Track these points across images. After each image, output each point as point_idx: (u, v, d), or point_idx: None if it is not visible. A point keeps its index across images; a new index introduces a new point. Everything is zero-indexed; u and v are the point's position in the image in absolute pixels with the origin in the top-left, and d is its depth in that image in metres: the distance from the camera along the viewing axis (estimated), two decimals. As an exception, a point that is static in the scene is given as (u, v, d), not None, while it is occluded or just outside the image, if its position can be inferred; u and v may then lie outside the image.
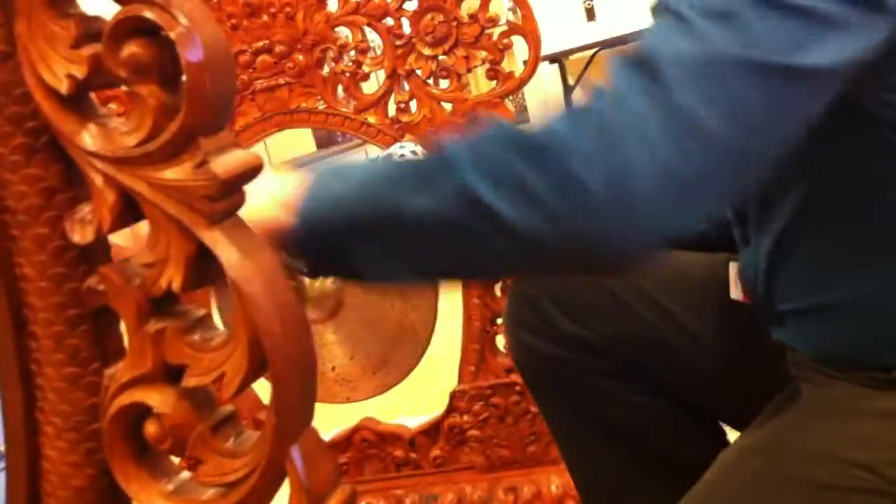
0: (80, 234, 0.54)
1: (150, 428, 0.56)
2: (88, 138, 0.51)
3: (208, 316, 0.57)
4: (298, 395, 0.54)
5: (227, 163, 0.50)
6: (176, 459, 0.60)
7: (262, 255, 0.52)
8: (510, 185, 0.76)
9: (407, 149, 1.34)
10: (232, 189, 0.50)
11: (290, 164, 5.39)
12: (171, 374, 0.56)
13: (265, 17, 1.60)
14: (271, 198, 0.86)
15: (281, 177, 0.91)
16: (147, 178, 0.50)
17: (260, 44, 1.62)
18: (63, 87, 0.50)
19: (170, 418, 0.56)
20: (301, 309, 0.55)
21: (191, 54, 0.47)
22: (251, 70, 1.63)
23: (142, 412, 0.57)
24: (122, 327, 0.58)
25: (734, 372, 1.05)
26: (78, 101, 0.51)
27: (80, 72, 0.49)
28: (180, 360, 0.54)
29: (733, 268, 1.22)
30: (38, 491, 0.61)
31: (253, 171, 0.52)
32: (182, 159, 0.49)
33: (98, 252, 0.55)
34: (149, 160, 0.49)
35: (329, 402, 1.83)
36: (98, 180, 0.51)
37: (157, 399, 0.56)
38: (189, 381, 0.54)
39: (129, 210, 0.52)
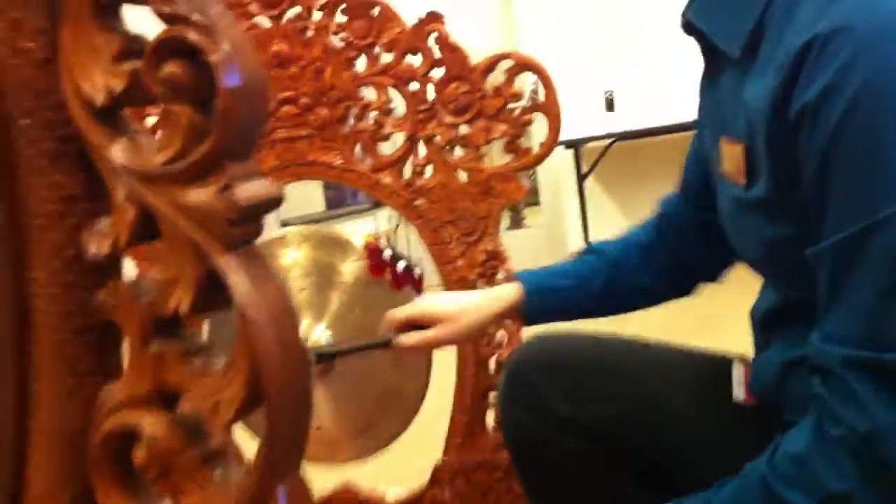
0: (97, 246, 0.54)
1: (140, 453, 0.56)
2: (117, 152, 0.51)
3: (211, 344, 0.57)
4: (291, 432, 0.54)
5: (250, 190, 0.50)
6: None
7: (272, 286, 0.52)
8: None
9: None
10: (252, 216, 0.50)
11: (299, 220, 5.41)
12: (166, 400, 0.55)
13: (294, 69, 1.62)
14: None
15: None
16: (170, 196, 0.50)
17: (286, 94, 1.63)
18: (99, 99, 0.50)
19: (159, 443, 0.55)
20: (304, 347, 0.55)
21: (228, 80, 0.48)
22: (274, 119, 1.65)
23: (133, 435, 0.56)
24: (124, 348, 0.58)
25: (732, 470, 1.04)
26: (111, 115, 0.52)
27: (118, 85, 0.50)
28: (179, 383, 0.54)
29: (737, 367, 1.22)
30: (20, 501, 0.60)
31: (274, 201, 0.52)
32: (207, 182, 0.49)
33: (111, 266, 0.56)
34: (174, 179, 0.50)
35: (309, 462, 1.80)
36: (121, 194, 0.52)
37: (150, 422, 0.55)
38: (185, 406, 0.54)
39: (146, 227, 0.52)
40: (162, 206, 0.50)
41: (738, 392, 1.21)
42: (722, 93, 1.07)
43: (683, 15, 1.08)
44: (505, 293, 1.40)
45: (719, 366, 1.26)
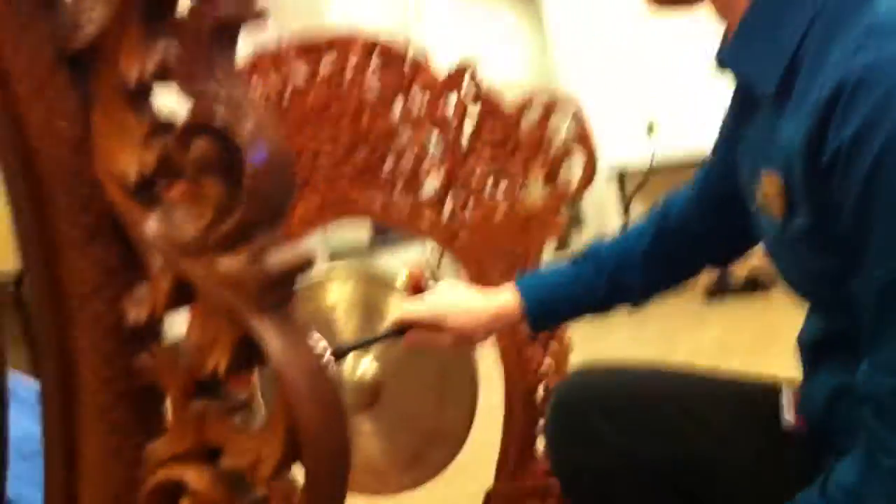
0: (136, 314, 0.56)
1: (185, 505, 0.58)
2: (151, 225, 0.53)
3: (250, 400, 0.59)
4: (330, 489, 0.56)
5: (280, 257, 0.52)
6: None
7: (306, 347, 0.54)
8: None
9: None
10: (283, 282, 0.53)
11: (346, 248, 5.45)
12: (208, 455, 0.58)
13: (332, 115, 1.65)
14: None
15: None
16: (203, 266, 0.52)
17: (325, 139, 1.66)
18: (132, 177, 0.53)
19: (204, 497, 0.57)
20: (342, 404, 0.57)
21: (255, 156, 0.50)
22: (315, 162, 1.68)
23: (178, 490, 0.58)
24: (166, 404, 0.60)
25: (781, 499, 1.04)
26: (144, 190, 0.54)
27: (149, 163, 0.52)
28: (219, 441, 0.56)
29: (787, 393, 1.23)
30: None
31: (304, 266, 0.54)
32: (238, 251, 0.52)
33: (150, 331, 0.58)
34: (206, 250, 0.52)
35: (356, 493, 1.83)
36: (156, 265, 0.54)
37: (194, 477, 0.57)
38: (226, 463, 0.56)
39: (182, 294, 0.55)
40: (196, 275, 0.53)
41: (788, 417, 1.21)
42: (758, 130, 1.08)
43: (717, 56, 1.09)
44: (509, 309, 1.43)
45: (767, 392, 1.26)
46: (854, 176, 0.88)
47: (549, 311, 1.43)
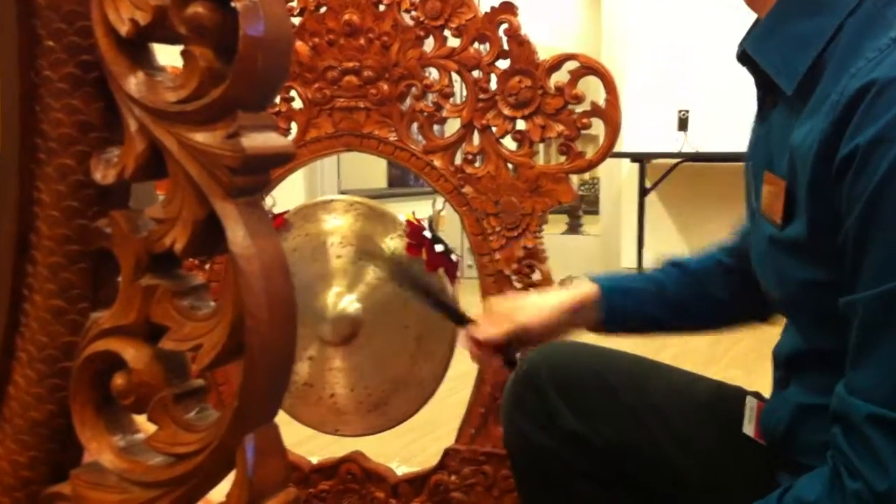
0: (103, 175, 0.55)
1: (118, 380, 0.56)
2: (134, 84, 0.52)
3: (203, 286, 0.57)
4: (266, 386, 0.54)
5: (258, 140, 0.50)
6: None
7: (267, 240, 0.52)
8: None
9: None
10: (256, 167, 0.51)
11: (358, 192, 5.44)
12: (151, 334, 0.56)
13: (362, 41, 1.62)
14: None
15: None
16: (178, 135, 0.50)
17: (350, 64, 1.63)
18: (124, 29, 0.51)
19: (139, 375, 0.56)
20: (293, 303, 0.55)
21: (251, 29, 0.48)
22: (336, 87, 1.65)
23: (114, 363, 0.57)
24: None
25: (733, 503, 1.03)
26: (134, 47, 0.52)
27: (143, 18, 0.51)
28: (163, 320, 0.55)
29: (750, 402, 1.21)
30: (-2, 415, 0.62)
31: (282, 156, 0.52)
32: (216, 126, 0.50)
33: (114, 196, 0.56)
34: (184, 119, 0.50)
35: (317, 429, 1.82)
36: (132, 126, 0.52)
37: (132, 354, 0.56)
38: (166, 344, 0.55)
39: (154, 164, 0.53)
40: (169, 144, 0.51)
41: (749, 428, 1.19)
42: (770, 128, 1.06)
43: (740, 45, 1.07)
44: (586, 296, 1.36)
45: (733, 397, 1.25)
46: (865, 180, 0.85)
47: (624, 300, 1.37)
